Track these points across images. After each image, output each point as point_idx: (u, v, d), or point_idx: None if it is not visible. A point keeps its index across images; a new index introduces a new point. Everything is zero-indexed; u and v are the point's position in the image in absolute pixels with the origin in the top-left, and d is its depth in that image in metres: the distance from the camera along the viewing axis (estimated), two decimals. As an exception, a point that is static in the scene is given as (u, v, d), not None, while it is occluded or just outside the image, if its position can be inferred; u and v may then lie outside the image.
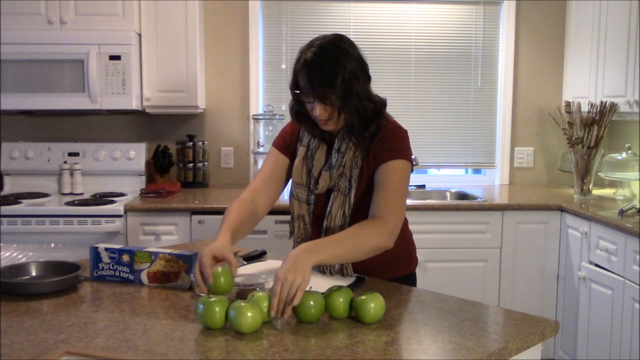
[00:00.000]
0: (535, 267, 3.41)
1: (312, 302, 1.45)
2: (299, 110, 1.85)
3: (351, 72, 1.71)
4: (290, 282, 1.44)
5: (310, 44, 1.76)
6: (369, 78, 1.80)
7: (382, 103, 1.82)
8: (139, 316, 1.51)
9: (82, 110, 3.56)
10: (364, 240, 1.66)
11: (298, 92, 1.77)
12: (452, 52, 4.03)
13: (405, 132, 1.84)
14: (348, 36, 1.82)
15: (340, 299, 1.48)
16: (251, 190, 1.92)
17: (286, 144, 1.94)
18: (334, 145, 1.84)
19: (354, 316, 1.48)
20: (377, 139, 1.79)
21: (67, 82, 3.38)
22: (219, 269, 1.56)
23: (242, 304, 1.38)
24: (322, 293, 1.50)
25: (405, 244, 1.97)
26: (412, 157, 1.83)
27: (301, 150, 1.89)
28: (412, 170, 1.83)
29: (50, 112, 3.73)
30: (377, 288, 1.68)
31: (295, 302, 1.43)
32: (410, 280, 1.98)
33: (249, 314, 1.36)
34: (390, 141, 1.79)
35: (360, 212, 1.80)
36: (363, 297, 1.47)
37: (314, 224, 1.89)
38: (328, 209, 1.82)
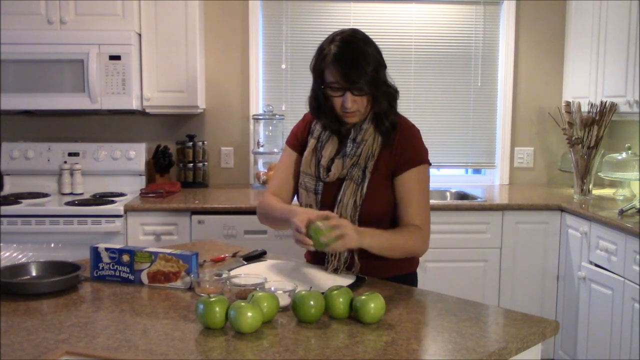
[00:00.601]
0: (535, 267, 3.41)
1: (312, 302, 1.45)
2: (320, 105, 1.86)
3: (377, 60, 1.80)
4: (342, 230, 1.60)
5: (331, 40, 1.80)
6: (385, 66, 1.86)
7: (396, 90, 1.88)
8: (139, 316, 1.51)
9: (82, 110, 3.56)
10: (408, 243, 1.80)
11: (324, 87, 1.81)
12: (452, 52, 4.03)
13: (419, 131, 1.92)
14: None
15: (341, 299, 1.48)
16: (273, 192, 1.99)
17: (298, 142, 1.98)
18: (349, 136, 1.86)
19: (354, 316, 1.48)
20: (397, 139, 1.84)
21: (67, 82, 3.38)
22: (318, 223, 1.63)
23: (242, 304, 1.38)
24: (322, 293, 1.50)
25: None
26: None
27: (312, 142, 1.93)
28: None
29: (50, 112, 3.73)
30: (377, 288, 1.68)
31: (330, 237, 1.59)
32: (411, 279, 1.98)
33: (249, 314, 1.36)
34: (414, 143, 1.87)
35: (370, 203, 1.82)
36: (363, 297, 1.47)
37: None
38: (339, 198, 1.83)
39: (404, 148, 1.84)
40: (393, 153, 1.84)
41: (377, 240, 1.73)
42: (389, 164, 1.84)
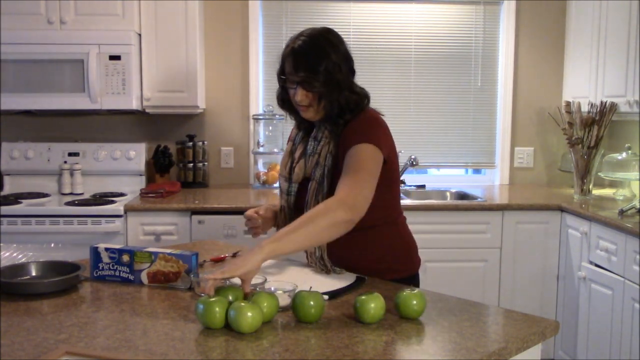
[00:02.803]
0: (535, 267, 3.41)
1: (312, 302, 1.45)
2: (284, 97, 1.91)
3: (335, 63, 1.79)
4: (231, 268, 1.49)
5: (300, 34, 1.83)
6: (352, 72, 1.87)
7: (365, 95, 1.87)
8: (139, 316, 1.51)
9: (82, 110, 3.56)
10: (317, 221, 1.61)
11: (284, 77, 1.85)
12: (452, 52, 4.03)
13: (381, 121, 1.85)
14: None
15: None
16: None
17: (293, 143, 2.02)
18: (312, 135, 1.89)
19: (354, 317, 1.48)
20: (348, 126, 1.82)
21: (67, 82, 3.38)
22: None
23: (242, 304, 1.38)
24: (323, 293, 1.50)
25: (403, 243, 1.96)
26: (387, 147, 1.81)
27: (288, 145, 1.99)
28: (388, 161, 1.80)
29: (50, 112, 3.72)
30: (377, 288, 1.68)
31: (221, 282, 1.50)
32: (413, 282, 1.94)
33: (249, 314, 1.36)
34: (359, 127, 1.80)
35: None
36: (363, 297, 1.46)
37: (297, 215, 1.89)
38: (306, 198, 1.84)
39: (351, 128, 1.81)
40: (342, 139, 1.81)
41: (284, 242, 1.57)
42: (342, 157, 1.80)
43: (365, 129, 1.79)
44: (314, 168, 1.84)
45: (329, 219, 1.62)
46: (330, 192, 1.76)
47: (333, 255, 1.84)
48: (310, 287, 1.50)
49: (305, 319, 1.45)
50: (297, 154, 1.93)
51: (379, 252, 1.89)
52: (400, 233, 1.96)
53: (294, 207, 1.92)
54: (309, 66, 1.77)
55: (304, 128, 1.95)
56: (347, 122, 1.82)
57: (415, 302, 1.48)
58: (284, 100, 1.91)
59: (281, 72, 1.86)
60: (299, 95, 1.80)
